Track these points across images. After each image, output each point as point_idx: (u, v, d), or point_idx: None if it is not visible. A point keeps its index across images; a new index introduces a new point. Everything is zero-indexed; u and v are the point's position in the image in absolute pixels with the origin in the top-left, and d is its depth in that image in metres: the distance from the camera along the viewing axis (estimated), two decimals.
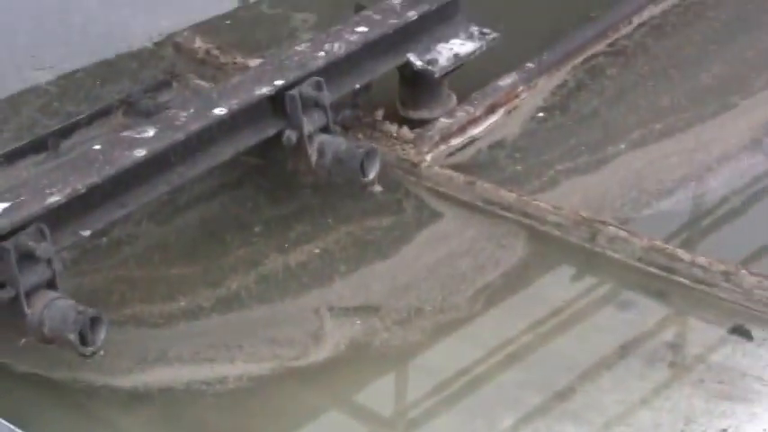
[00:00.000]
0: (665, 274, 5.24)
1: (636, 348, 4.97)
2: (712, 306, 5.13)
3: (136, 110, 6.00)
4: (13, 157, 5.67)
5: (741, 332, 4.97)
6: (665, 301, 5.22)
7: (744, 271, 5.14)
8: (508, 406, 4.71)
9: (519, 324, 5.05)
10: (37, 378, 4.76)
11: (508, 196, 5.58)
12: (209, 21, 7.13)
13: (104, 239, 5.24)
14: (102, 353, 4.66)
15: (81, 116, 5.96)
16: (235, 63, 6.28)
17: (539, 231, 5.47)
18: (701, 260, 5.21)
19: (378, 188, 5.64)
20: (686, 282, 5.20)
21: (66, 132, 5.83)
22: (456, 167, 5.83)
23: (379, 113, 6.05)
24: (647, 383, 4.79)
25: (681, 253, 5.27)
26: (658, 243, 5.34)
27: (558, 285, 5.30)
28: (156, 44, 6.77)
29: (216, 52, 6.40)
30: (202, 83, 6.19)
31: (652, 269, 5.27)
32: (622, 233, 5.38)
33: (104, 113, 6.01)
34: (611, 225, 5.44)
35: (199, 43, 6.44)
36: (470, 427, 4.67)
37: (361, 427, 4.69)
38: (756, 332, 4.94)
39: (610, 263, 5.35)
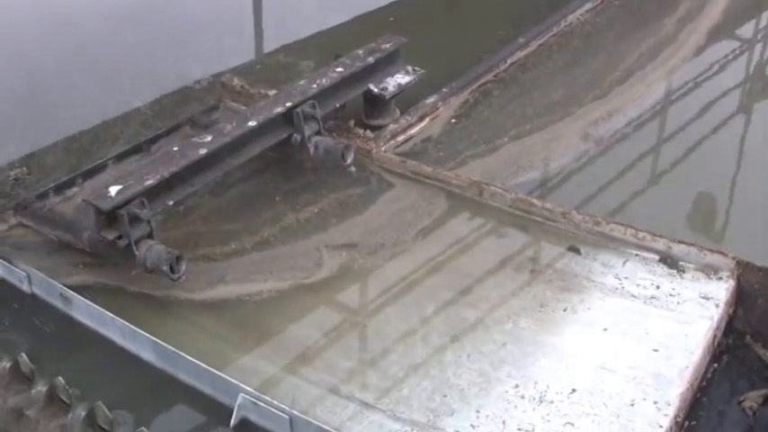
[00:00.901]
0: (526, 215, 5.23)
1: (509, 262, 4.98)
2: (555, 234, 5.13)
3: (198, 124, 5.89)
4: (121, 157, 5.59)
5: (574, 249, 4.99)
6: (527, 231, 5.18)
7: (574, 212, 5.14)
8: (430, 300, 4.69)
9: (439, 250, 5.01)
10: (143, 295, 4.73)
11: (431, 171, 5.49)
12: (245, 66, 7.00)
13: (181, 207, 5.16)
14: (184, 278, 4.63)
15: (162, 130, 5.84)
16: (260, 93, 6.11)
17: (450, 192, 5.40)
18: (548, 205, 5.20)
19: (353, 169, 5.57)
20: (539, 219, 5.20)
21: (154, 140, 5.74)
22: (401, 155, 5.73)
23: (351, 122, 5.92)
24: (517, 283, 4.82)
25: (535, 201, 5.24)
26: (521, 196, 5.31)
27: (462, 224, 5.24)
28: (208, 83, 6.60)
29: (248, 87, 6.25)
30: (240, 106, 6.05)
31: (518, 212, 5.25)
32: (499, 190, 5.34)
33: (177, 127, 5.90)
34: (491, 185, 5.38)
35: (236, 81, 6.27)
36: (407, 313, 4.65)
37: (343, 317, 4.60)
38: (583, 249, 4.95)
39: (492, 209, 5.30)
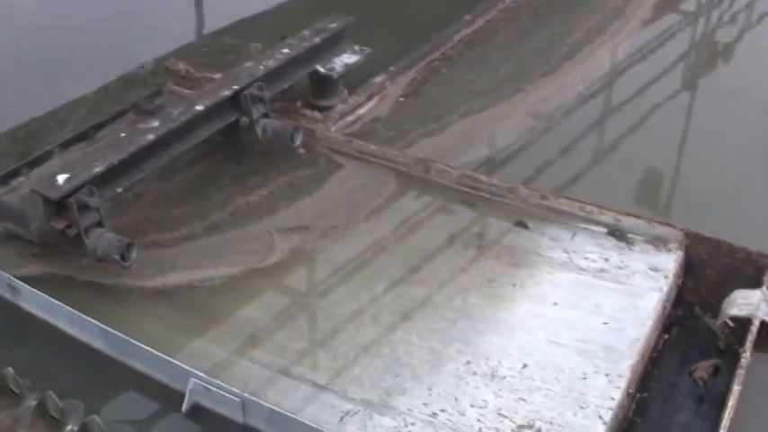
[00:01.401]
0: (473, 191, 5.27)
1: (457, 238, 5.03)
2: (503, 209, 5.18)
3: (142, 110, 5.88)
4: (67, 145, 5.60)
5: (521, 224, 5.05)
6: (474, 208, 5.23)
7: (521, 187, 5.20)
8: (379, 280, 4.72)
9: (388, 229, 5.05)
10: (94, 284, 4.71)
11: (377, 150, 5.54)
12: (190, 49, 6.93)
13: (129, 194, 5.13)
14: (135, 265, 4.67)
15: (107, 116, 5.83)
16: (206, 77, 6.10)
17: (398, 171, 5.43)
18: (495, 181, 5.25)
19: (302, 150, 5.58)
20: (486, 195, 5.26)
21: (99, 127, 5.74)
22: (350, 135, 5.74)
23: (299, 103, 5.93)
24: (465, 259, 4.88)
25: (482, 177, 5.29)
26: (468, 172, 5.36)
27: (410, 203, 5.27)
28: (153, 67, 6.54)
29: (193, 71, 6.22)
30: (184, 90, 6.06)
31: (464, 188, 5.29)
32: (445, 167, 5.39)
33: (122, 114, 5.90)
34: (438, 162, 5.42)
35: (181, 66, 6.26)
36: (357, 293, 4.70)
37: (294, 299, 4.62)
38: (531, 224, 5.02)
39: (439, 186, 5.34)
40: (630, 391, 4.17)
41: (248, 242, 5.04)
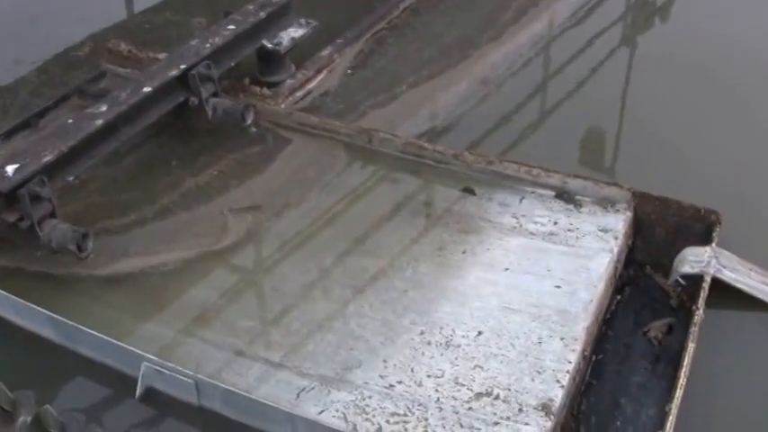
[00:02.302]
0: (417, 159, 5.31)
1: (404, 207, 5.08)
2: (449, 176, 5.23)
3: (86, 94, 5.82)
4: (9, 134, 5.55)
5: (468, 191, 5.09)
6: (420, 176, 5.27)
7: (466, 152, 5.26)
8: (328, 253, 4.77)
9: (335, 201, 5.07)
10: (44, 274, 4.69)
11: (318, 121, 5.57)
12: (133, 26, 6.94)
13: (76, 180, 5.07)
14: (92, 255, 4.62)
15: (50, 102, 5.80)
16: (149, 57, 6.08)
17: (346, 143, 5.46)
18: (439, 148, 5.31)
19: (253, 129, 5.59)
20: (431, 162, 5.31)
21: (41, 114, 5.70)
22: (300, 110, 5.75)
23: (246, 80, 5.94)
24: (413, 228, 4.93)
25: (426, 144, 5.36)
26: (411, 140, 5.41)
27: (356, 174, 5.31)
28: (90, 47, 6.54)
29: (136, 51, 6.19)
30: (126, 71, 6.05)
31: (409, 157, 5.33)
32: (388, 135, 5.44)
33: (65, 98, 5.85)
34: (380, 131, 5.47)
35: (123, 46, 6.22)
36: (307, 266, 4.73)
37: (242, 278, 4.65)
38: (478, 190, 5.07)
39: (383, 155, 5.38)
40: (586, 353, 4.25)
41: (201, 224, 5.04)
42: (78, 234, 4.63)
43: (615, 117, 6.01)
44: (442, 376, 4.07)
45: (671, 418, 3.86)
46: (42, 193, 4.66)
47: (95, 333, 4.21)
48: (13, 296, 4.45)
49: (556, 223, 4.85)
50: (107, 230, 5.01)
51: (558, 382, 4.03)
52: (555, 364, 4.10)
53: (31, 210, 4.66)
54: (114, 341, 4.17)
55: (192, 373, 3.99)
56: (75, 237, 4.64)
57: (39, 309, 4.36)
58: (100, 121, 5.09)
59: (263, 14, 5.93)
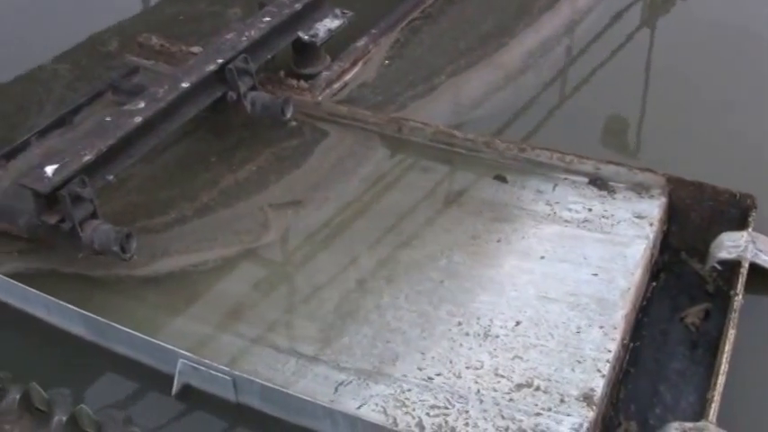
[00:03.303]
0: (448, 147, 5.40)
1: (436, 196, 5.18)
2: (480, 164, 5.32)
3: (120, 90, 5.89)
4: (44, 132, 5.60)
5: (500, 178, 5.19)
6: (451, 164, 5.36)
7: (497, 140, 5.34)
8: (362, 244, 4.87)
9: (369, 192, 5.17)
10: (80, 276, 4.73)
11: (347, 111, 5.68)
12: (167, 18, 6.99)
13: (113, 178, 5.02)
14: (135, 257, 4.64)
15: (84, 98, 5.86)
16: (181, 51, 6.15)
17: (379, 133, 5.53)
18: (470, 136, 5.39)
19: (293, 123, 5.66)
20: (462, 151, 5.39)
21: (75, 111, 5.76)
22: (339, 102, 5.82)
23: (282, 73, 5.99)
24: (446, 217, 5.02)
25: (457, 132, 5.43)
26: (442, 128, 5.49)
27: (389, 163, 5.38)
28: (119, 41, 6.62)
29: (168, 45, 6.25)
30: (164, 66, 6.10)
31: (440, 145, 5.41)
32: (418, 124, 5.52)
33: (99, 95, 5.92)
34: (410, 120, 5.56)
35: (155, 40, 6.28)
36: (339, 258, 4.78)
37: (279, 271, 4.73)
38: (510, 177, 5.16)
39: (413, 144, 5.46)
40: (625, 341, 4.32)
41: (242, 221, 5.11)
42: (122, 235, 4.65)
43: (640, 100, 6.04)
44: (482, 368, 4.14)
45: (713, 405, 3.90)
46: (83, 193, 4.69)
47: (130, 330, 4.30)
48: (44, 294, 4.49)
49: (590, 210, 4.93)
50: (147, 229, 5.06)
51: (598, 371, 4.10)
52: (595, 353, 4.17)
53: (72, 211, 4.68)
54: (149, 338, 4.26)
55: (228, 369, 4.05)
56: (118, 237, 4.64)
57: (71, 306, 4.45)
58: (139, 119, 5.13)
59: (298, 6, 6.00)
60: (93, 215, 4.75)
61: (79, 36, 6.78)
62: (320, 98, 5.89)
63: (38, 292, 4.52)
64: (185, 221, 5.13)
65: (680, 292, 4.66)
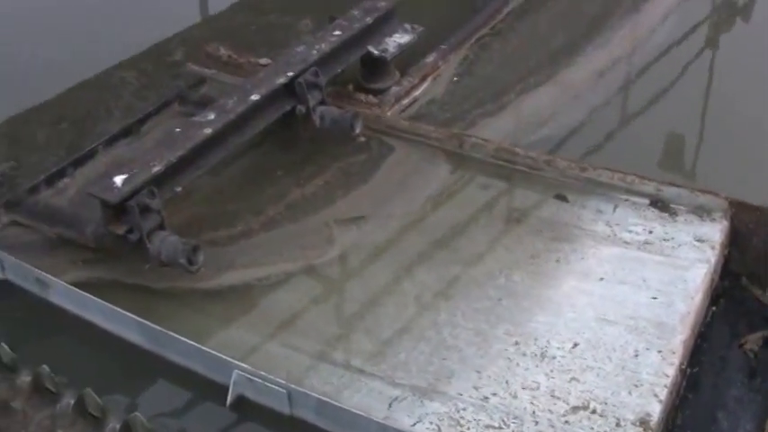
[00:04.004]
0: (509, 164, 5.45)
1: (495, 213, 5.25)
2: (541, 183, 5.37)
3: (187, 100, 6.03)
4: (111, 141, 5.73)
5: (561, 198, 5.23)
6: (511, 181, 5.41)
7: (559, 158, 5.39)
8: (420, 258, 4.93)
9: (430, 207, 5.24)
10: (146, 288, 4.80)
11: (408, 125, 5.75)
12: (238, 28, 7.16)
13: (181, 189, 5.14)
14: (202, 269, 4.74)
15: (151, 108, 5.99)
16: (249, 62, 6.27)
17: (444, 150, 5.60)
18: (531, 153, 5.45)
19: (362, 138, 5.72)
20: (523, 168, 5.43)
21: (143, 121, 5.90)
22: (407, 118, 5.89)
23: (350, 87, 6.08)
24: (505, 235, 5.08)
25: (518, 149, 5.49)
26: (503, 145, 5.55)
27: (451, 180, 5.44)
28: (185, 51, 6.78)
29: (235, 56, 6.37)
30: (232, 78, 6.22)
31: (501, 162, 5.46)
32: (479, 140, 5.58)
33: (166, 105, 6.05)
34: (472, 136, 5.63)
35: (223, 51, 6.42)
36: (397, 273, 4.83)
37: (336, 286, 4.81)
38: (570, 197, 5.20)
39: (474, 160, 5.52)
40: (683, 367, 4.33)
41: (307, 236, 5.16)
42: (189, 247, 4.72)
43: (701, 121, 6.08)
44: (538, 388, 4.19)
45: None
46: (152, 204, 4.77)
47: (186, 340, 4.39)
48: (100, 300, 4.60)
49: (651, 232, 4.96)
50: (212, 242, 5.13)
51: (655, 396, 4.13)
52: (652, 377, 4.20)
53: (140, 222, 4.75)
54: (205, 348, 4.35)
55: (284, 381, 4.14)
56: (185, 250, 4.72)
57: (128, 314, 4.54)
58: (208, 130, 5.21)
59: (369, 20, 6.08)
60: (161, 226, 4.82)
61: (145, 43, 6.93)
62: (389, 113, 5.94)
63: (95, 298, 4.61)
64: (251, 235, 5.20)
65: (740, 318, 4.66)
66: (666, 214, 5.06)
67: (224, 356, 4.29)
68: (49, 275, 4.79)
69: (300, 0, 7.51)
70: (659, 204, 5.11)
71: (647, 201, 5.16)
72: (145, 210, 4.75)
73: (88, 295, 4.66)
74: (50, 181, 5.50)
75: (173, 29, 7.12)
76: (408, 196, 5.39)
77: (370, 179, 5.55)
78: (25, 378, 4.29)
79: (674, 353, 4.29)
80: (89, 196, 4.87)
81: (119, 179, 4.80)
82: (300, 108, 5.62)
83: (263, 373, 4.20)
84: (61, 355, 4.57)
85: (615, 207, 5.17)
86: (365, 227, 5.20)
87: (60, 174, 5.55)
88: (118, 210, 4.78)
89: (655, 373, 4.20)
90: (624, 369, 4.24)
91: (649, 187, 5.16)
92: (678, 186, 5.13)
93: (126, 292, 4.85)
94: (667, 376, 4.19)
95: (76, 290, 4.71)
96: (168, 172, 4.98)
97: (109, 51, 6.83)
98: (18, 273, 4.92)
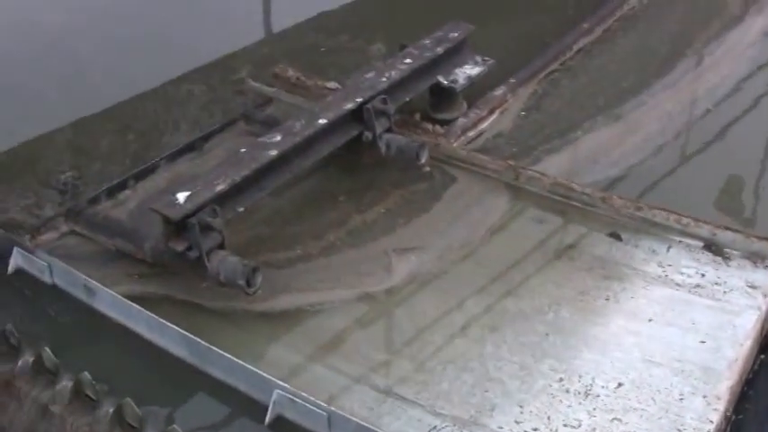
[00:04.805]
0: (564, 200, 5.52)
1: (547, 248, 5.30)
2: (595, 220, 5.43)
3: (252, 119, 6.17)
4: (174, 156, 5.89)
5: (614, 236, 5.28)
6: (565, 217, 5.47)
7: (614, 196, 5.44)
8: (469, 289, 4.96)
9: (484, 235, 5.32)
10: (197, 306, 4.89)
11: (465, 155, 5.84)
12: (308, 49, 7.33)
13: (242, 209, 5.21)
14: (260, 291, 4.83)
15: (215, 126, 6.14)
16: (317, 85, 6.39)
17: (505, 182, 5.68)
18: (587, 190, 5.52)
19: (427, 168, 5.80)
20: (578, 204, 5.50)
21: (207, 137, 6.05)
22: (473, 151, 5.94)
23: (417, 116, 6.17)
24: (556, 270, 5.12)
25: (574, 185, 5.56)
26: (559, 180, 5.62)
27: (500, 209, 5.51)
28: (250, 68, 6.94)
29: (304, 78, 6.49)
30: (298, 100, 6.35)
31: (556, 197, 5.54)
32: (535, 174, 5.67)
33: (232, 123, 6.20)
34: (528, 168, 5.71)
35: (291, 72, 6.55)
36: (445, 303, 4.86)
37: (382, 311, 4.84)
38: (624, 235, 5.24)
39: (531, 194, 5.58)
40: (728, 413, 4.33)
41: (365, 263, 5.22)
42: (248, 269, 4.79)
43: (760, 165, 6.13)
44: (579, 426, 4.22)
45: None
46: (214, 223, 4.84)
47: (229, 356, 4.46)
48: (146, 311, 4.71)
49: (703, 275, 5.00)
50: (269, 264, 5.17)
51: None
52: (696, 422, 4.21)
53: (200, 240, 4.81)
54: (247, 365, 4.42)
55: (324, 404, 4.21)
56: (245, 271, 4.78)
57: (172, 326, 4.63)
58: (274, 152, 5.27)
59: (440, 50, 6.16)
60: (221, 246, 4.90)
61: (212, 57, 7.14)
62: (455, 144, 6.02)
63: (140, 308, 4.72)
64: (310, 259, 5.27)
65: None
66: (720, 258, 5.10)
67: (266, 375, 4.37)
68: (95, 282, 4.88)
69: (372, 22, 7.72)
70: (713, 248, 5.15)
71: (701, 243, 5.20)
72: (206, 228, 4.82)
73: (134, 305, 4.77)
74: (111, 192, 5.64)
75: (240, 44, 7.35)
76: (467, 228, 5.43)
77: (431, 209, 5.59)
78: (66, 384, 4.36)
79: (719, 399, 4.31)
80: (151, 211, 4.92)
81: (181, 196, 4.88)
82: (367, 134, 5.70)
83: (304, 394, 4.24)
84: (104, 363, 4.62)
85: (669, 248, 5.21)
86: (423, 256, 5.23)
87: (121, 186, 5.70)
88: (179, 226, 4.85)
89: (698, 418, 4.21)
90: (668, 412, 4.26)
91: (704, 230, 5.20)
92: (733, 231, 5.17)
93: (176, 308, 4.91)
94: (711, 422, 4.20)
95: (122, 298, 4.82)
96: (231, 191, 5.05)
97: (175, 62, 7.05)
98: (66, 278, 5.04)
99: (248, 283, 4.78)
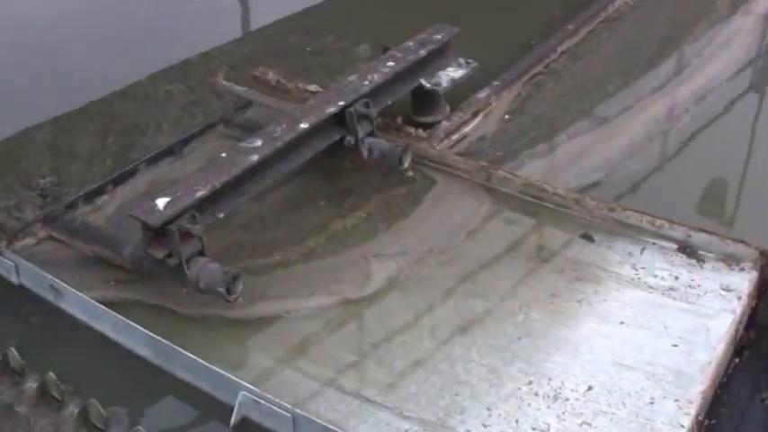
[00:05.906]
0: (536, 200, 5.59)
1: (518, 249, 5.37)
2: (567, 221, 5.49)
3: (232, 123, 6.24)
4: (153, 160, 5.94)
5: (587, 237, 5.35)
6: (537, 218, 5.53)
7: (587, 197, 5.52)
8: (438, 290, 4.99)
9: (462, 239, 5.37)
10: (175, 313, 4.92)
11: (436, 154, 5.91)
12: (294, 50, 7.39)
13: (222, 215, 5.21)
14: (240, 299, 4.87)
15: (195, 129, 6.20)
16: (297, 88, 6.47)
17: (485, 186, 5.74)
18: (560, 191, 5.59)
19: (410, 173, 5.85)
20: (550, 205, 5.58)
21: (186, 141, 6.10)
22: (457, 154, 5.98)
23: (399, 119, 6.22)
24: (527, 272, 5.18)
25: (547, 186, 5.63)
26: (531, 181, 5.69)
27: (472, 211, 5.56)
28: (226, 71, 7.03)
29: (284, 81, 6.57)
30: (270, 100, 6.46)
31: (528, 198, 5.60)
32: (507, 174, 5.73)
33: (211, 126, 6.25)
34: (500, 169, 5.77)
35: (271, 75, 6.64)
36: (414, 304, 4.90)
37: (351, 313, 4.84)
38: (597, 237, 5.30)
39: (503, 195, 5.63)
40: (700, 418, 4.39)
41: (345, 270, 5.27)
42: (229, 276, 4.85)
43: (742, 167, 6.15)
44: (548, 430, 4.28)
45: None
46: (193, 230, 4.88)
47: (195, 357, 4.53)
48: (112, 312, 4.76)
49: (677, 278, 5.06)
50: (249, 270, 5.23)
51: None
52: (667, 427, 4.28)
53: (180, 247, 4.88)
54: (212, 366, 4.49)
55: (289, 406, 4.28)
56: (225, 279, 4.84)
57: (138, 327, 4.70)
58: (255, 157, 5.31)
59: (423, 52, 6.22)
60: (201, 252, 4.95)
61: (191, 56, 7.27)
62: (438, 148, 6.07)
63: (107, 309, 4.79)
64: (288, 265, 5.33)
65: (763, 371, 4.68)
66: (694, 261, 5.16)
67: (231, 376, 4.45)
68: (62, 283, 4.96)
69: (356, 22, 7.81)
70: (687, 250, 5.21)
71: (675, 246, 5.26)
72: (185, 235, 4.87)
73: (100, 306, 4.85)
74: (89, 197, 5.69)
75: (225, 44, 7.47)
76: (447, 232, 5.45)
77: (411, 213, 5.60)
78: (32, 384, 4.44)
79: (691, 403, 4.37)
80: (130, 218, 4.94)
81: (161, 202, 4.92)
82: (349, 139, 5.75)
83: (269, 395, 4.33)
84: (70, 363, 4.70)
85: (642, 250, 5.28)
86: (402, 261, 5.26)
87: (100, 191, 5.74)
88: (158, 233, 4.89)
89: (669, 423, 4.28)
90: (638, 416, 4.32)
91: (678, 232, 5.26)
92: (708, 233, 5.21)
93: (150, 312, 4.95)
94: (683, 426, 4.27)
95: (88, 299, 4.90)
96: (212, 197, 5.10)
97: (156, 60, 7.15)
98: (32, 279, 5.13)
99: (228, 291, 4.84)
